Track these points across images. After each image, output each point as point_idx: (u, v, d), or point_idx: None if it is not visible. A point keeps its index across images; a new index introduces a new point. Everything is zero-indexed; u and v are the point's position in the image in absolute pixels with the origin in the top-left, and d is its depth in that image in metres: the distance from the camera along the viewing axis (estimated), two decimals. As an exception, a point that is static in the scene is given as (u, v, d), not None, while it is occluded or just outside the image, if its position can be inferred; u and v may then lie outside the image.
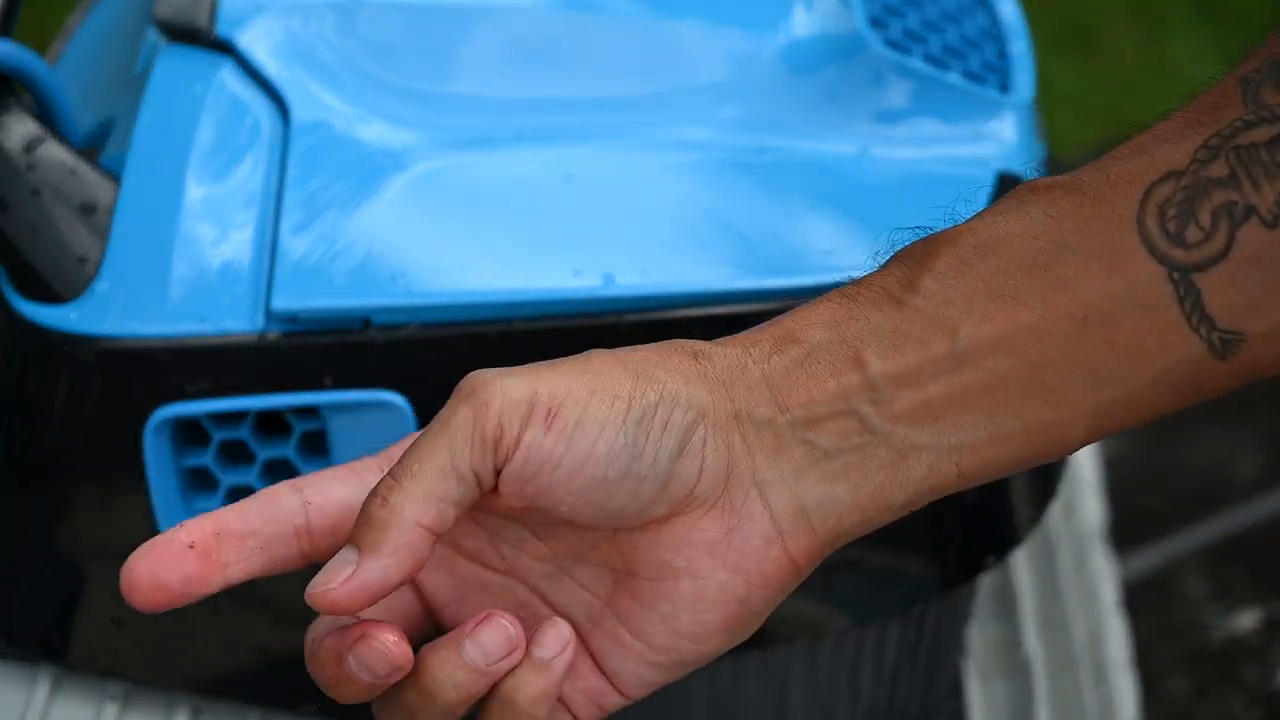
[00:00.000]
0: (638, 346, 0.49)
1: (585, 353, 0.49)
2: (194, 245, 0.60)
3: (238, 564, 0.48)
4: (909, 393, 0.48)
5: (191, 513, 0.62)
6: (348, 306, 0.59)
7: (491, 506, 0.49)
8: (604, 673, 0.50)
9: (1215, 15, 2.17)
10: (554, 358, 0.60)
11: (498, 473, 0.47)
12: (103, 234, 0.60)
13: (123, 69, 0.68)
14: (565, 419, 0.47)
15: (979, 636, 0.85)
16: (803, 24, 0.66)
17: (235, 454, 0.62)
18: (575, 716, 0.50)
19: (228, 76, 0.62)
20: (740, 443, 0.48)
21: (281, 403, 0.60)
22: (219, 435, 0.61)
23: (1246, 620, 1.34)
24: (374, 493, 0.47)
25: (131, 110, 0.63)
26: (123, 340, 0.60)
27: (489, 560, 0.51)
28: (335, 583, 0.46)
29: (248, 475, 0.62)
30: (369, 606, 0.47)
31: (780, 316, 0.49)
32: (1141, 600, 1.14)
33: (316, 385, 0.60)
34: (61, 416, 0.61)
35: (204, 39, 0.63)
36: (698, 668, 0.50)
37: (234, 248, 0.60)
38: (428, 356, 0.60)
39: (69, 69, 0.74)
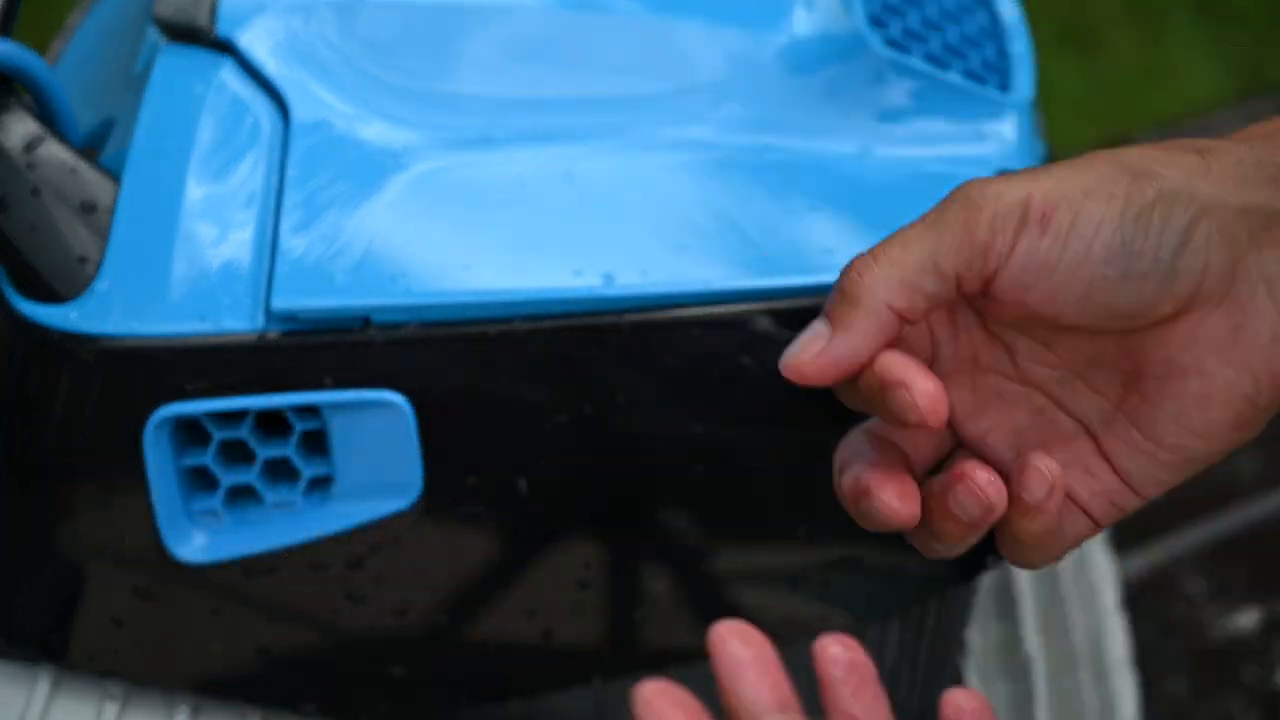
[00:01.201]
0: (1140, 144, 0.49)
1: (1086, 155, 0.48)
2: (194, 245, 0.60)
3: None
4: None
5: (191, 513, 0.62)
6: (348, 306, 0.59)
7: (997, 316, 0.49)
8: (1119, 474, 0.51)
9: (1215, 15, 2.17)
10: (554, 358, 0.61)
11: (985, 282, 0.47)
12: (103, 234, 0.60)
13: (123, 69, 0.68)
14: (1059, 222, 0.47)
15: (979, 636, 0.85)
16: (803, 24, 0.66)
17: (235, 454, 0.62)
18: (1093, 518, 0.51)
19: (228, 76, 0.62)
20: (1247, 238, 0.47)
21: (281, 402, 0.60)
22: (219, 435, 0.61)
23: (1246, 620, 1.34)
24: (851, 265, 0.48)
25: (131, 110, 0.63)
26: (123, 340, 0.60)
27: (1005, 371, 0.51)
28: (809, 354, 0.48)
29: (248, 475, 0.62)
30: (837, 379, 0.48)
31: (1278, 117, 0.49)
32: (1141, 600, 1.14)
33: (316, 385, 0.60)
34: (61, 416, 0.61)
35: (204, 38, 0.63)
36: (1209, 465, 0.50)
37: (234, 247, 0.60)
38: (428, 356, 0.60)
39: (69, 69, 0.74)
